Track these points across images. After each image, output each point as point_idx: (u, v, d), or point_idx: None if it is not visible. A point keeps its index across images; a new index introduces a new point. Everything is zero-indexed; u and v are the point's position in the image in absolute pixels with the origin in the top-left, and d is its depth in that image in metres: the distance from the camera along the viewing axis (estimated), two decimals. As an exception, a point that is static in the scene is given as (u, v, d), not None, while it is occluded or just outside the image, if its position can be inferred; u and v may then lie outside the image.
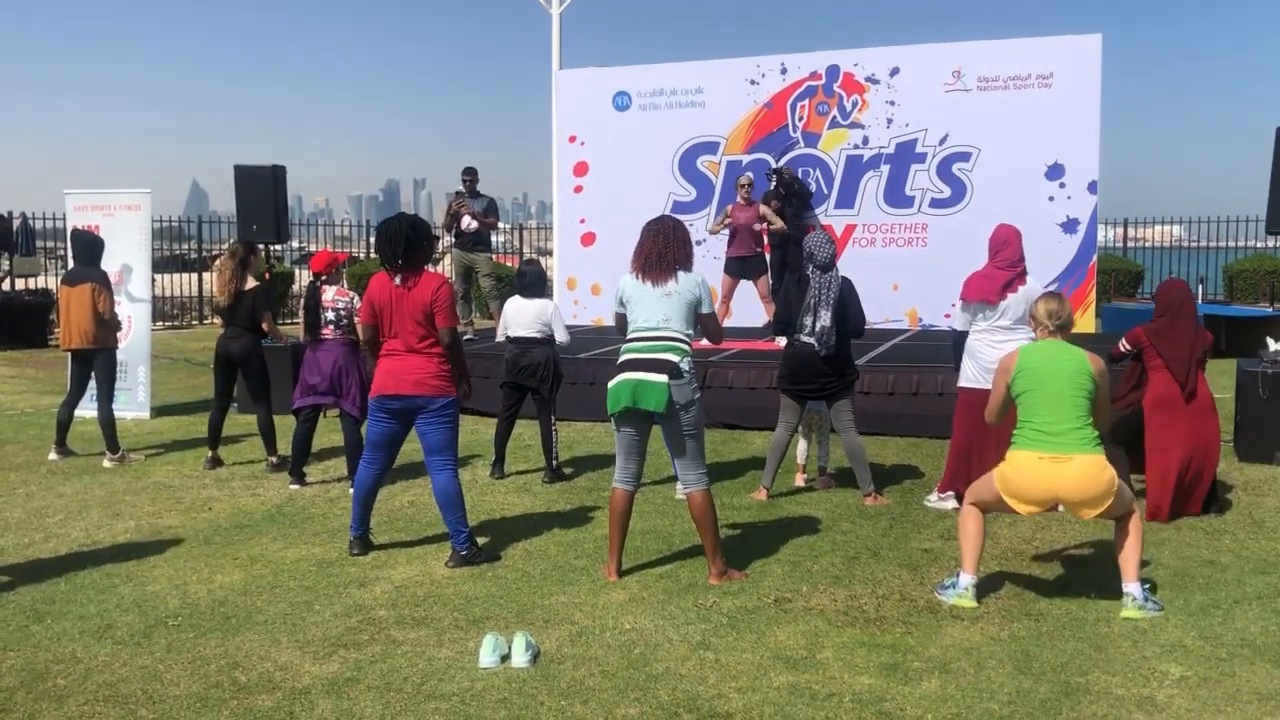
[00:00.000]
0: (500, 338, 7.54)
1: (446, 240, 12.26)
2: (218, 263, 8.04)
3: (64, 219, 10.83)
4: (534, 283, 7.46)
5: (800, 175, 12.45)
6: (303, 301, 7.28)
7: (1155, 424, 6.24)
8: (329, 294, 7.09)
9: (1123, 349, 6.46)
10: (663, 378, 4.99)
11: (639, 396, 5.02)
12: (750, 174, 11.68)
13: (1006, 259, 6.33)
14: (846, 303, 6.61)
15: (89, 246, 8.29)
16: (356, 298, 7.06)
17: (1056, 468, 4.59)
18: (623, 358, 5.17)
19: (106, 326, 8.06)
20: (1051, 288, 7.71)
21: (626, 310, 5.25)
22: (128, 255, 10.10)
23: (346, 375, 6.96)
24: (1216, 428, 6.34)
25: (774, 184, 12.08)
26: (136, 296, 10.16)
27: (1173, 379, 6.22)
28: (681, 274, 5.15)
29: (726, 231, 11.48)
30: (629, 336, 5.21)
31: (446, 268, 22.79)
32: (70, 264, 8.52)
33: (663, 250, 5.15)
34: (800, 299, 6.60)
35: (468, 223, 11.49)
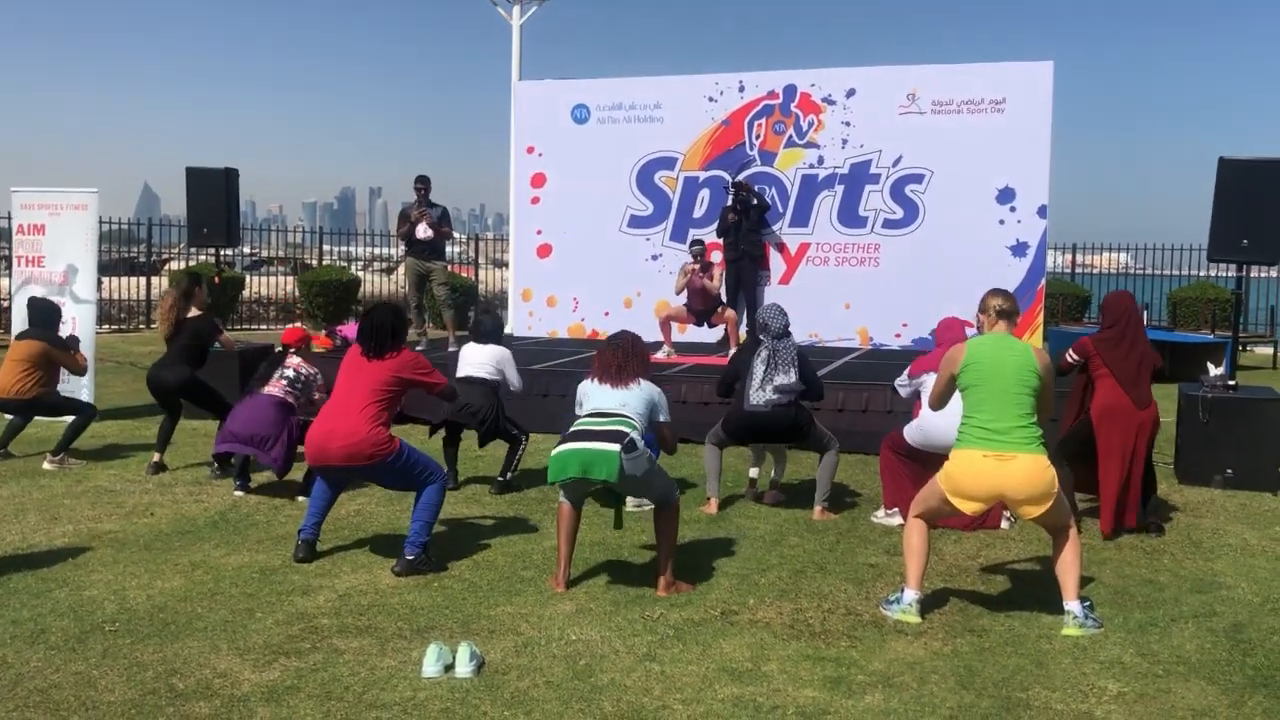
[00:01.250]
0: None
1: (400, 249, 12.17)
2: (163, 293, 8.03)
3: (8, 217, 10.64)
4: (490, 332, 7.52)
5: (759, 191, 12.52)
6: (265, 361, 7.23)
7: (1105, 432, 6.31)
8: (294, 360, 7.10)
9: (1070, 359, 6.52)
10: (615, 446, 4.92)
11: (588, 467, 4.92)
12: (696, 262, 11.15)
13: (951, 340, 6.48)
14: (804, 365, 6.68)
15: (45, 313, 8.25)
16: (319, 376, 7.04)
17: (1001, 465, 4.65)
18: (572, 429, 5.14)
19: (42, 384, 7.94)
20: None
21: (582, 407, 5.29)
22: (73, 256, 9.94)
23: (273, 432, 6.79)
24: (1150, 439, 6.42)
25: (731, 198, 12.13)
26: (82, 298, 9.98)
27: (1119, 386, 6.31)
28: (642, 379, 5.25)
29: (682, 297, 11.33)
30: (581, 416, 5.22)
31: (401, 276, 22.65)
32: (13, 263, 8.39)
33: (622, 364, 5.24)
34: (751, 360, 6.63)
35: (423, 230, 11.45)
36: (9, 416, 8.18)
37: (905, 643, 4.56)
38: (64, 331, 8.47)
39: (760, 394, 6.55)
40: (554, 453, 5.07)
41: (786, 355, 6.60)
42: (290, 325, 8.14)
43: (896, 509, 6.53)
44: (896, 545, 6.01)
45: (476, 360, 7.36)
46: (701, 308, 11.01)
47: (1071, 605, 4.75)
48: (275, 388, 6.97)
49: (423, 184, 11.66)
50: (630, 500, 6.79)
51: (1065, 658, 4.42)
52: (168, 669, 4.15)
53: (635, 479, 5.01)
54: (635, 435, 4.99)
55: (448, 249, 12.65)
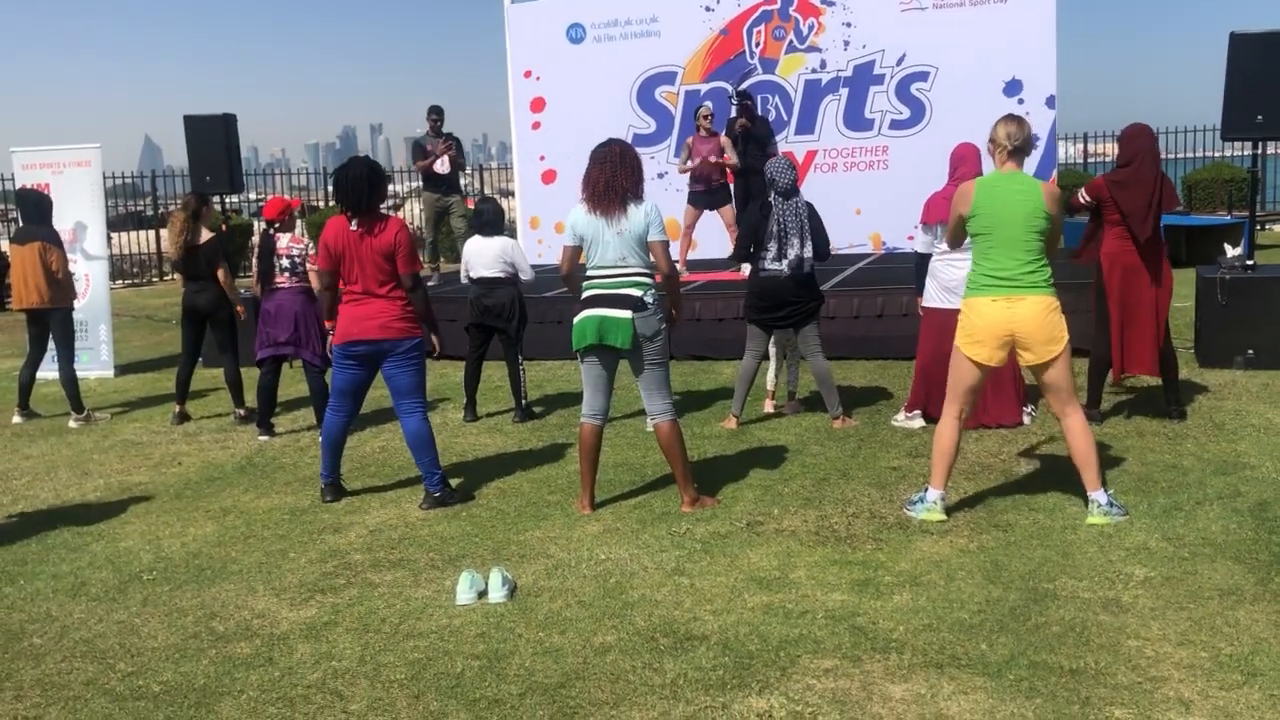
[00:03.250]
0: (464, 279, 7.50)
1: (413, 185, 12.14)
2: (171, 215, 7.95)
3: (12, 179, 10.61)
4: (492, 220, 7.40)
5: (758, 103, 12.33)
6: (256, 250, 7.20)
7: (1112, 280, 6.20)
8: (283, 241, 7.02)
9: (1082, 200, 6.32)
10: (626, 313, 4.99)
11: (605, 332, 5.02)
12: (710, 104, 11.51)
13: (964, 176, 6.31)
14: (815, 223, 6.60)
15: (36, 205, 8.15)
16: (311, 244, 6.99)
17: (1010, 306, 4.69)
18: (586, 294, 5.14)
19: (59, 285, 7.91)
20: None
21: (584, 246, 5.19)
22: (80, 213, 9.93)
23: (305, 324, 6.89)
24: (1168, 290, 6.28)
25: (736, 109, 11.95)
26: (93, 254, 10.00)
27: (1128, 234, 6.16)
28: (631, 207, 5.05)
29: (693, 162, 11.36)
30: (589, 272, 5.17)
31: (416, 213, 22.54)
32: (21, 224, 8.34)
33: (610, 179, 5.04)
34: (764, 226, 6.57)
35: (443, 164, 11.37)
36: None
37: (931, 542, 4.59)
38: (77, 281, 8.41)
39: (777, 264, 6.53)
40: (575, 320, 5.12)
41: (796, 220, 6.51)
42: (272, 197, 8.04)
43: (917, 411, 6.54)
44: (918, 448, 6.03)
45: (487, 257, 7.29)
46: (706, 188, 10.87)
47: (1095, 494, 4.76)
48: (282, 281, 6.98)
49: (436, 115, 11.53)
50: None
51: (1091, 546, 4.45)
52: (207, 613, 4.23)
53: (645, 338, 5.04)
54: (645, 295, 5.04)
55: (460, 180, 12.56)
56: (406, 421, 5.49)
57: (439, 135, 11.45)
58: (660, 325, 5.09)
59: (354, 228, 5.36)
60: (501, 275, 7.26)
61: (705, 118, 10.95)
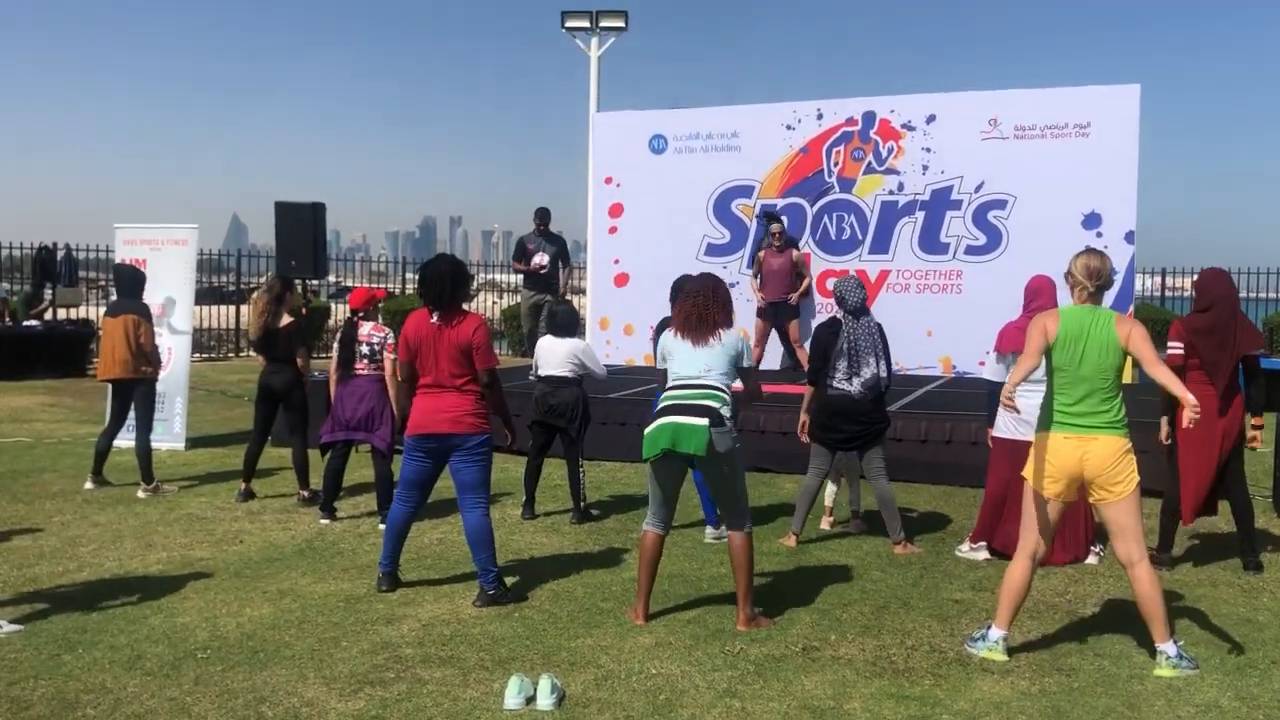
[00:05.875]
0: (532, 376, 7.60)
1: (487, 277, 12.91)
2: (254, 296, 8.22)
3: (107, 250, 11.06)
4: (564, 324, 7.54)
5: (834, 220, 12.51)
6: (339, 336, 7.39)
7: (1191, 430, 6.06)
8: (365, 329, 7.19)
9: (1175, 352, 6.07)
10: (703, 421, 4.98)
11: (678, 440, 4.99)
12: (784, 220, 11.71)
13: (1040, 309, 6.30)
14: (887, 349, 6.59)
15: (131, 281, 8.48)
16: (391, 334, 7.14)
17: (1081, 444, 4.62)
18: (661, 404, 5.17)
19: (144, 358, 8.17)
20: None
21: (667, 364, 5.27)
22: (172, 289, 10.28)
23: (378, 412, 7.03)
24: (1236, 434, 6.13)
25: (768, 231, 12.14)
26: (178, 329, 10.31)
27: (1207, 381, 6.03)
28: (723, 331, 5.19)
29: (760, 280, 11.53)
30: (668, 385, 5.22)
31: (489, 305, 22.94)
32: (114, 296, 8.68)
33: (702, 312, 5.19)
34: (832, 344, 6.57)
35: (538, 262, 12.31)
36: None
37: (991, 681, 4.46)
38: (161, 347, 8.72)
39: (846, 383, 6.49)
40: (647, 430, 5.11)
41: (869, 340, 6.49)
42: (357, 287, 8.32)
43: (983, 543, 6.42)
44: (982, 580, 5.90)
45: (556, 357, 7.39)
46: (777, 299, 11.00)
47: (1164, 645, 4.60)
48: (361, 368, 7.13)
49: (541, 217, 12.39)
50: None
51: (1158, 700, 4.29)
52: (257, 697, 4.24)
53: (720, 456, 4.99)
54: (724, 410, 5.02)
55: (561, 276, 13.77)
56: (468, 516, 5.52)
57: (544, 236, 12.16)
58: (735, 443, 5.08)
59: (434, 321, 5.48)
60: (569, 374, 7.34)
61: (776, 234, 11.11)
